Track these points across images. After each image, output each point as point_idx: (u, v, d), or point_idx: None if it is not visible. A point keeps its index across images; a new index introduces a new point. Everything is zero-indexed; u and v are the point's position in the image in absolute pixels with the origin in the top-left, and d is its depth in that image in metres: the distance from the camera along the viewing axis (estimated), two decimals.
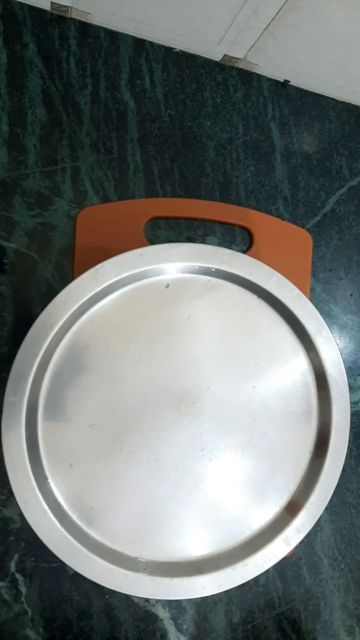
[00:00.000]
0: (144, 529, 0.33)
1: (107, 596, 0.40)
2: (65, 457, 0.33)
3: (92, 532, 0.33)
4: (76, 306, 0.33)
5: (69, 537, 0.31)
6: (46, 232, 0.42)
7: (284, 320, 0.36)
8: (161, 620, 0.41)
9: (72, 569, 0.40)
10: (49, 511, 0.31)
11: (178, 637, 0.41)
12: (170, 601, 0.41)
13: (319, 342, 0.36)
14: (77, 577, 0.40)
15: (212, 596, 0.42)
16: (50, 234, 0.42)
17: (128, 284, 0.35)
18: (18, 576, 0.40)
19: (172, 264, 0.35)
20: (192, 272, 0.36)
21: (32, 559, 0.40)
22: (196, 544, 0.34)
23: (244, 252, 0.45)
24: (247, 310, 0.36)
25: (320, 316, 0.36)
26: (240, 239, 0.46)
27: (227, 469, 0.35)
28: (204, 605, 0.42)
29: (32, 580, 0.40)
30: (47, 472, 0.33)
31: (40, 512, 0.31)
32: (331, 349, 0.36)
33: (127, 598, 0.41)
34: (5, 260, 0.41)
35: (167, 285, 0.36)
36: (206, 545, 0.34)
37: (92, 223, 0.43)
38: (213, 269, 0.35)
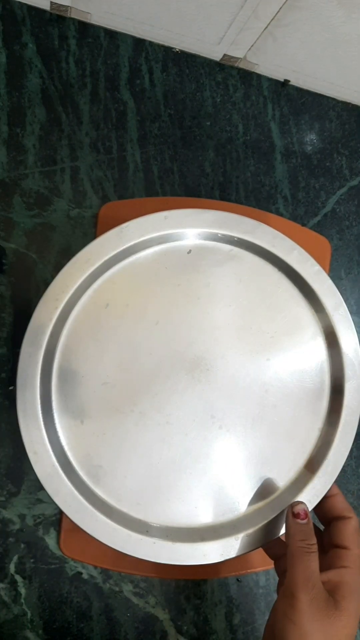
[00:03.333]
0: (149, 492, 0.33)
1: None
2: (77, 413, 0.34)
3: (98, 490, 0.33)
4: (99, 263, 0.34)
5: (76, 492, 0.32)
6: (45, 232, 0.42)
7: (303, 295, 0.36)
8: (161, 621, 0.41)
9: (71, 570, 0.40)
10: (57, 465, 0.32)
11: (178, 639, 0.41)
12: (170, 602, 0.41)
13: (336, 320, 0.35)
14: (77, 578, 0.40)
15: (212, 598, 0.42)
16: (50, 234, 0.42)
17: (151, 246, 0.35)
18: (17, 577, 0.40)
19: (196, 229, 0.35)
20: (214, 240, 0.36)
21: (32, 560, 0.40)
22: (200, 511, 0.34)
23: None
24: (267, 283, 0.36)
25: (339, 294, 0.36)
26: None
27: (236, 439, 0.35)
28: (204, 606, 0.42)
29: (31, 581, 0.40)
30: (58, 427, 0.33)
31: (49, 465, 0.32)
32: (348, 328, 0.36)
33: (127, 600, 0.41)
34: (4, 261, 0.41)
35: (189, 251, 0.36)
36: (210, 513, 0.34)
37: (114, 218, 0.43)
38: (236, 238, 0.36)
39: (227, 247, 0.36)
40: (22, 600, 0.40)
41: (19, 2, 0.43)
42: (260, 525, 0.33)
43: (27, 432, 0.32)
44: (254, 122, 0.47)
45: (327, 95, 0.50)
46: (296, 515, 0.31)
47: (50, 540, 0.40)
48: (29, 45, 0.43)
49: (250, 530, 0.33)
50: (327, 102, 0.49)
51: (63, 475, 0.32)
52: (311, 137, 0.49)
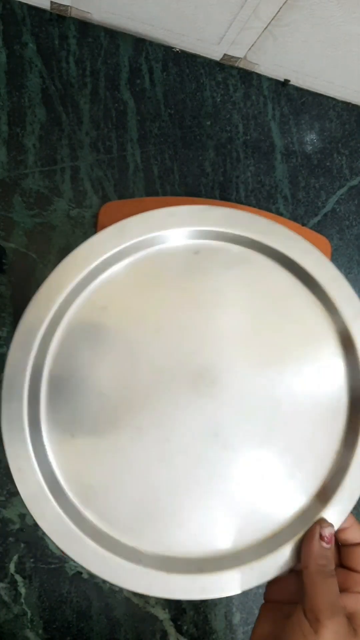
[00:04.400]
0: (144, 516, 0.30)
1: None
2: (68, 426, 0.30)
3: (87, 513, 0.30)
4: (97, 262, 0.31)
5: (63, 515, 0.29)
6: (45, 232, 0.42)
7: (319, 302, 0.33)
8: (161, 621, 0.41)
9: (71, 570, 0.40)
10: (43, 483, 0.29)
11: (178, 639, 0.41)
12: (170, 602, 0.41)
13: (355, 330, 0.32)
14: (77, 578, 0.40)
15: None
16: (50, 234, 0.42)
17: (155, 245, 0.32)
18: (17, 577, 0.40)
19: (204, 228, 0.32)
20: (224, 240, 0.33)
21: (32, 560, 0.40)
22: (200, 539, 0.30)
23: None
24: (280, 288, 0.33)
25: (359, 301, 0.33)
26: None
27: (241, 459, 0.31)
28: (203, 606, 0.42)
29: (31, 581, 0.40)
30: (46, 440, 0.30)
31: (34, 484, 0.29)
32: None
33: (127, 599, 0.41)
34: (4, 261, 0.41)
35: (197, 252, 0.33)
36: (210, 543, 0.31)
37: (114, 218, 0.42)
38: (247, 239, 0.33)
39: (238, 248, 0.33)
40: (22, 600, 0.40)
41: (19, 2, 0.43)
42: (266, 557, 0.30)
43: (11, 446, 0.29)
44: (254, 121, 0.47)
45: (327, 95, 0.50)
46: (322, 538, 0.29)
47: (50, 540, 0.40)
48: (29, 45, 0.43)
49: (254, 563, 0.29)
50: (327, 102, 0.49)
51: (49, 495, 0.29)
52: (311, 137, 0.49)
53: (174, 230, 0.32)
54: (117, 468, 0.31)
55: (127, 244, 0.32)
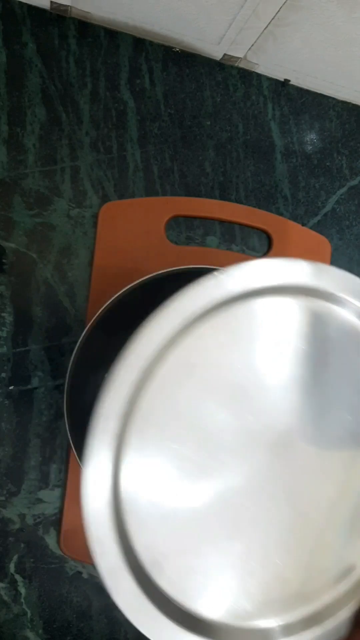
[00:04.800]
0: (215, 587, 0.29)
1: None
2: (146, 492, 0.28)
3: (161, 583, 0.28)
4: (192, 316, 0.28)
5: (138, 589, 0.27)
6: (45, 232, 0.42)
7: None
8: None
9: (71, 570, 0.40)
10: (123, 557, 0.27)
11: None
12: None
13: None
14: (77, 578, 0.40)
15: None
16: (50, 233, 0.42)
17: (252, 298, 0.30)
18: (17, 577, 0.40)
19: (310, 288, 0.30)
20: (328, 301, 0.31)
21: (32, 560, 0.40)
22: (265, 608, 0.30)
23: (262, 255, 0.45)
24: None
25: None
26: (258, 243, 0.46)
27: (311, 525, 0.31)
28: None
29: (31, 581, 0.40)
30: (124, 508, 0.28)
31: (114, 557, 0.27)
32: None
33: None
34: (4, 260, 0.41)
35: (293, 308, 0.31)
36: (277, 611, 0.30)
37: (114, 218, 0.43)
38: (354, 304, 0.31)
39: (345, 313, 0.31)
40: (22, 600, 0.40)
41: (19, 2, 0.43)
42: (326, 622, 0.30)
43: (94, 520, 0.27)
44: (254, 121, 0.47)
45: (327, 94, 0.50)
46: None
47: (50, 540, 0.40)
48: (29, 45, 0.43)
49: (317, 628, 0.30)
50: (327, 102, 0.49)
51: (128, 569, 0.27)
52: (311, 137, 0.49)
53: (275, 284, 0.30)
54: (193, 537, 0.29)
55: (225, 297, 0.29)
